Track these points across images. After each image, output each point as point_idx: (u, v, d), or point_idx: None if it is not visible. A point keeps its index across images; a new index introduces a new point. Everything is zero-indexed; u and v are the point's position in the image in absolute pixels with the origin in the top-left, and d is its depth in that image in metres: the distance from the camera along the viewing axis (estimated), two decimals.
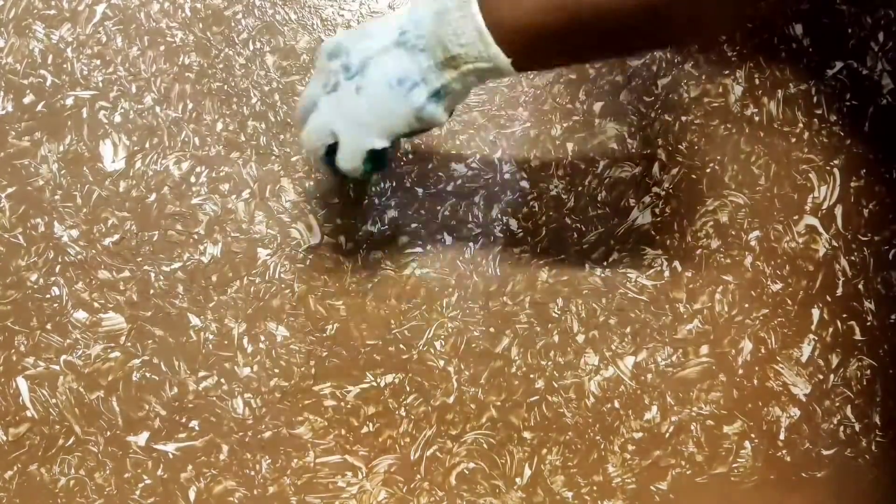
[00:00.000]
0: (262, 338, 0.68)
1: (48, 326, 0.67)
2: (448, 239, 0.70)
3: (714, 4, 0.49)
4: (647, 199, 0.71)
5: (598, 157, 0.71)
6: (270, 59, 0.71)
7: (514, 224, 0.70)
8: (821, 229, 0.72)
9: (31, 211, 0.68)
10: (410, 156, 0.70)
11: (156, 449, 0.67)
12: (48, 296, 0.67)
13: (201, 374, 0.67)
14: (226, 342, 0.68)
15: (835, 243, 0.72)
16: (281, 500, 0.67)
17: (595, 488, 0.68)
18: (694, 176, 0.72)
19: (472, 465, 0.68)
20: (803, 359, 0.71)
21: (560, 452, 0.68)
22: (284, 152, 0.70)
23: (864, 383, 0.71)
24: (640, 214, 0.71)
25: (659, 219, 0.71)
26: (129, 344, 0.67)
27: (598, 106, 0.72)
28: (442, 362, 0.69)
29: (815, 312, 0.71)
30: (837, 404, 0.70)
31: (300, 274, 0.69)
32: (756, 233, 0.71)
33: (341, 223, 0.69)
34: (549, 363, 0.69)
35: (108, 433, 0.66)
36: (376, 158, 0.57)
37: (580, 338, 0.70)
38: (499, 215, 0.70)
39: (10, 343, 0.67)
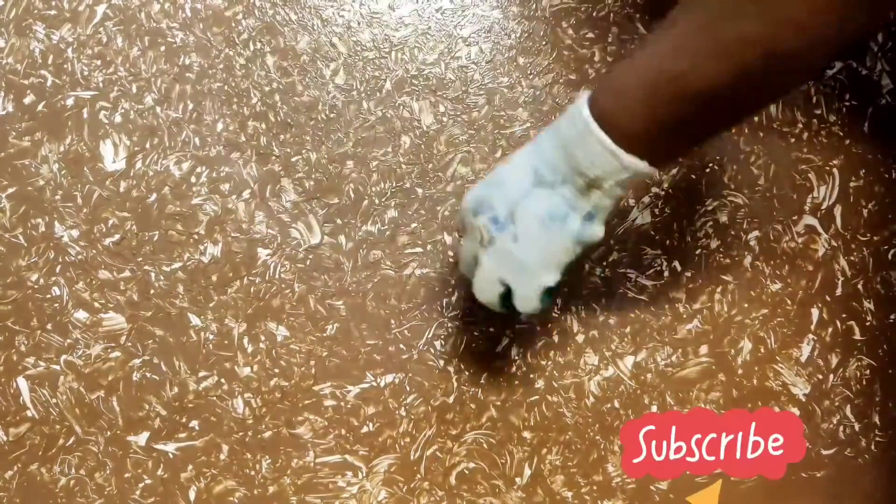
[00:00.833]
0: (263, 338, 0.68)
1: (48, 326, 0.67)
2: (448, 239, 0.70)
3: (806, 49, 0.47)
4: (646, 199, 0.71)
5: None
6: (271, 60, 0.71)
7: None
8: (820, 229, 0.72)
9: (32, 211, 0.68)
10: (410, 156, 0.70)
11: (156, 449, 0.67)
12: (48, 296, 0.67)
13: (201, 373, 0.67)
14: (226, 342, 0.68)
15: (834, 243, 0.72)
16: (281, 500, 0.67)
17: (595, 488, 0.68)
18: (693, 176, 0.72)
19: (471, 464, 0.68)
20: (803, 359, 0.71)
21: (560, 452, 0.68)
22: (284, 152, 0.70)
23: (864, 383, 0.71)
24: (639, 214, 0.71)
25: (658, 219, 0.71)
26: (129, 344, 0.67)
27: None
28: (442, 362, 0.69)
29: (815, 312, 0.71)
30: (837, 404, 0.71)
31: (300, 274, 0.69)
32: (755, 233, 0.71)
33: (341, 223, 0.69)
34: (549, 363, 0.69)
35: (109, 433, 0.66)
36: (551, 290, 0.58)
37: (580, 337, 0.70)
38: None
39: (11, 343, 0.67)
